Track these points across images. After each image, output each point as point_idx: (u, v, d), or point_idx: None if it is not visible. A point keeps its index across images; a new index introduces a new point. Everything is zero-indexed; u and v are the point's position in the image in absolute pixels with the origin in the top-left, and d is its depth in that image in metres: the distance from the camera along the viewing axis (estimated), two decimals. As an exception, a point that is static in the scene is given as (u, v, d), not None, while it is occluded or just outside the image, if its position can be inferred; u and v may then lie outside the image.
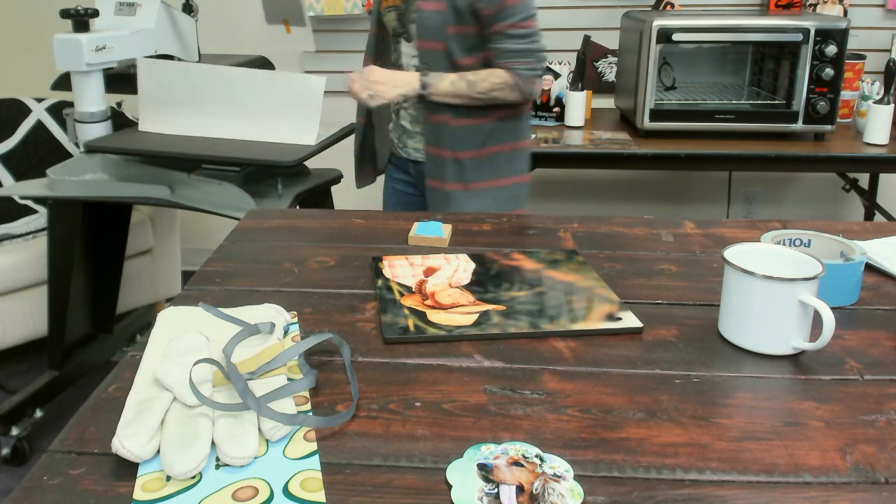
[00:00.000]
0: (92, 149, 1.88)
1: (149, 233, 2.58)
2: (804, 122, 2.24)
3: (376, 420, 0.67)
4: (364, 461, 0.61)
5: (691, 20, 2.21)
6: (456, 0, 1.50)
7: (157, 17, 2.03)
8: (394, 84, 1.56)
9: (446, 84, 1.55)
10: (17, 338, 2.30)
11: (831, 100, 2.20)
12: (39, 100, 2.68)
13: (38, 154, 2.63)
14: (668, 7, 2.70)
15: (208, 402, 0.64)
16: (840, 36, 2.16)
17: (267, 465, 0.60)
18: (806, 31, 2.15)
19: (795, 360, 0.77)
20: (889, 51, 2.71)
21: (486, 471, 0.59)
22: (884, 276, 0.99)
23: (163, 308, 0.92)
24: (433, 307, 0.88)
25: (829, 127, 2.23)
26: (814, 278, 0.75)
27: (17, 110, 2.64)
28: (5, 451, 2.06)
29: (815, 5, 2.66)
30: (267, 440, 0.63)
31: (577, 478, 0.59)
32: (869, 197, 2.74)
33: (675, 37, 2.20)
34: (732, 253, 0.82)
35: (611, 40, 2.79)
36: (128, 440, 0.59)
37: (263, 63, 2.34)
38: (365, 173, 1.84)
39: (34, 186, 1.94)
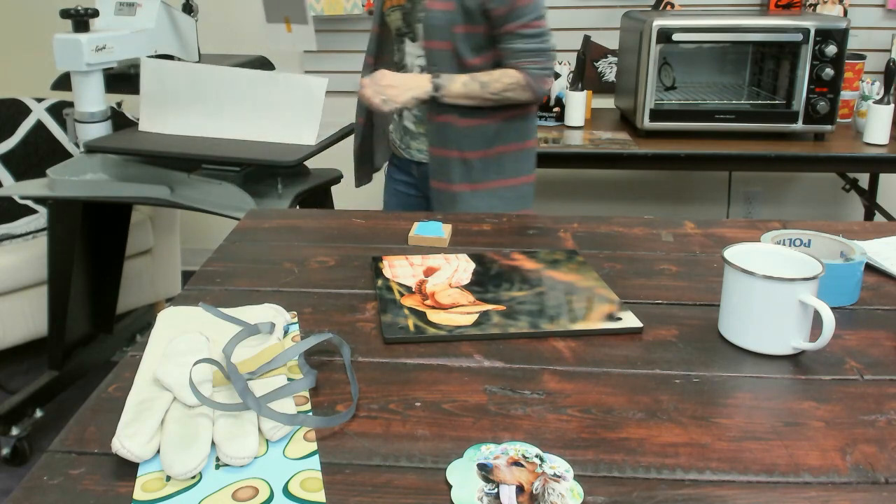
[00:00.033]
0: (92, 149, 1.88)
1: (149, 233, 2.58)
2: (804, 122, 2.24)
3: (376, 420, 0.67)
4: (364, 461, 0.61)
5: (691, 20, 2.21)
6: (466, 0, 1.49)
7: (157, 17, 2.03)
8: (406, 87, 1.53)
9: (458, 85, 1.53)
10: (17, 338, 2.30)
11: (831, 100, 2.20)
12: (39, 100, 2.68)
13: (38, 154, 2.63)
14: (668, 7, 2.70)
15: (208, 402, 0.64)
16: (840, 36, 2.16)
17: (267, 465, 0.60)
18: (806, 31, 2.15)
19: (795, 360, 0.77)
20: (889, 51, 2.71)
21: (486, 471, 0.59)
22: (884, 276, 0.99)
23: (163, 308, 0.92)
24: (433, 307, 0.88)
25: (829, 127, 2.23)
26: (814, 278, 0.75)
27: (17, 110, 2.64)
28: (5, 451, 2.06)
29: (815, 5, 2.66)
30: (267, 440, 0.63)
31: (577, 478, 0.59)
32: (869, 197, 2.74)
33: (675, 37, 2.20)
34: (732, 253, 0.82)
35: (611, 40, 2.79)
36: (128, 440, 0.59)
37: (263, 63, 2.34)
38: (364, 173, 1.84)
39: (34, 186, 1.94)
